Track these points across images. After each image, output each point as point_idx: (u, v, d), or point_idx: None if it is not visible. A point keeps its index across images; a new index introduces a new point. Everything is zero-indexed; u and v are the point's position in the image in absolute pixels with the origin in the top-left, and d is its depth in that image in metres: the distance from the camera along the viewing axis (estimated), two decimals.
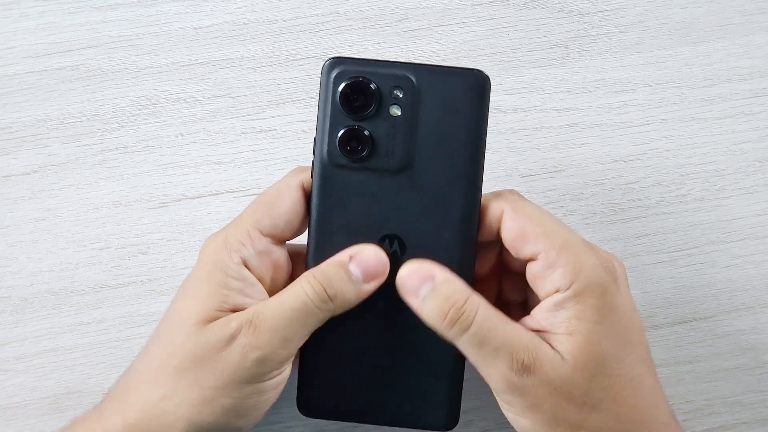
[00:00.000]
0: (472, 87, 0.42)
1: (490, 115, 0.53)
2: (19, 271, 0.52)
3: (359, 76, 0.42)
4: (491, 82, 0.42)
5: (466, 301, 0.41)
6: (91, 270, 0.52)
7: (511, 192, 0.44)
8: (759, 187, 0.54)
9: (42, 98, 0.53)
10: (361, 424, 0.51)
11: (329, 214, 0.43)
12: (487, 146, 0.53)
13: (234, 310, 0.41)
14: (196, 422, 0.41)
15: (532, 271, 0.42)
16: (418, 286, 0.41)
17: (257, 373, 0.41)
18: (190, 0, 0.54)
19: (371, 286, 0.42)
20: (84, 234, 0.52)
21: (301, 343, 0.42)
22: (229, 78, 0.54)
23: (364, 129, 0.42)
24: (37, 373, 0.51)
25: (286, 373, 0.42)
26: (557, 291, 0.41)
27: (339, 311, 0.42)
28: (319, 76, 0.42)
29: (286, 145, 0.54)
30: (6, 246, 0.52)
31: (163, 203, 0.53)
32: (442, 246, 0.43)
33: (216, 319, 0.41)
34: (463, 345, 0.41)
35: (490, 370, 0.40)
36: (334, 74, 0.42)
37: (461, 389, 0.44)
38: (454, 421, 0.44)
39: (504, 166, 0.54)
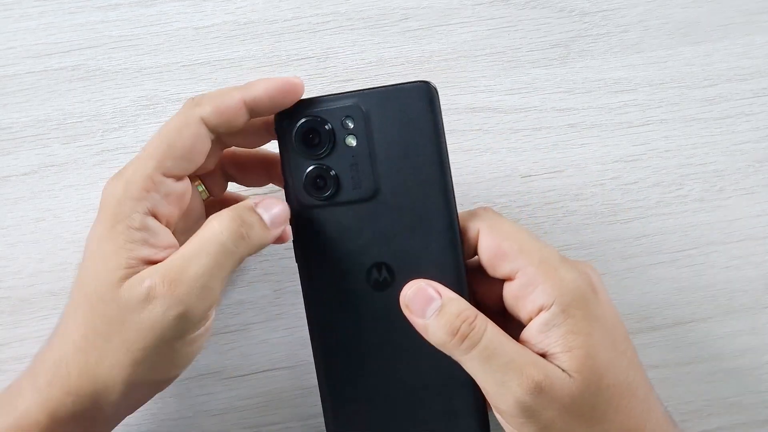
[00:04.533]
0: (420, 100, 0.42)
1: (490, 116, 0.54)
2: (20, 272, 0.52)
3: (309, 116, 0.42)
4: (438, 91, 0.42)
5: (476, 317, 0.40)
6: None
7: (486, 210, 0.44)
8: (759, 187, 0.54)
9: (42, 98, 0.53)
10: None
11: (315, 256, 0.43)
12: (487, 146, 0.54)
13: (145, 262, 0.40)
14: (131, 381, 0.40)
15: (511, 292, 0.42)
16: (425, 305, 0.41)
17: (183, 328, 0.40)
18: (191, 0, 0.54)
19: (277, 232, 0.42)
20: (84, 234, 0.52)
21: (221, 289, 0.41)
22: (230, 78, 0.54)
23: (327, 167, 0.43)
24: None
25: (212, 320, 0.42)
26: (541, 309, 0.40)
27: (251, 253, 0.41)
28: (274, 125, 0.43)
29: None
30: (6, 246, 0.52)
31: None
32: (429, 262, 0.43)
33: (127, 276, 0.40)
34: (472, 361, 0.40)
35: (500, 389, 0.40)
36: (284, 121, 0.43)
37: (486, 406, 0.43)
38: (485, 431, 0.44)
39: (504, 166, 0.54)
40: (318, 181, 0.43)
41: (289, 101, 0.43)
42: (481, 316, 0.41)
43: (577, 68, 0.55)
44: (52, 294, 0.52)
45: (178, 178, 0.42)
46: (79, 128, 0.53)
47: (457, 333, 0.40)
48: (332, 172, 0.43)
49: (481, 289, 0.44)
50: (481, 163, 0.54)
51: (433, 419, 0.44)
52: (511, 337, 0.41)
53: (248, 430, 0.52)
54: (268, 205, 0.42)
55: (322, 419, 0.51)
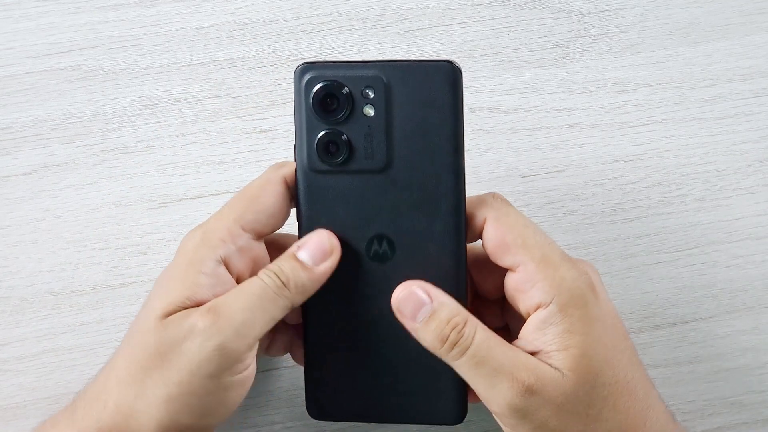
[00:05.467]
0: (444, 78, 0.42)
1: (490, 116, 0.54)
2: (19, 272, 0.52)
3: (329, 80, 0.42)
4: (462, 72, 0.42)
5: (465, 323, 0.41)
6: (91, 270, 0.52)
7: (495, 197, 0.44)
8: (759, 187, 0.54)
9: (42, 98, 0.53)
10: (363, 425, 0.51)
11: (316, 221, 0.43)
12: (487, 146, 0.54)
13: (200, 305, 0.41)
14: (164, 423, 0.40)
15: (511, 284, 0.42)
16: (415, 309, 0.41)
17: (219, 364, 0.40)
18: (191, 0, 0.54)
19: (325, 267, 0.42)
20: (84, 234, 0.52)
21: (261, 331, 0.41)
22: (230, 78, 0.54)
23: (340, 132, 0.42)
24: (37, 374, 0.51)
25: (250, 370, 0.42)
26: (539, 306, 0.41)
27: (300, 298, 0.42)
28: (292, 83, 0.42)
29: (286, 145, 0.54)
30: (6, 246, 0.52)
31: (163, 203, 0.53)
32: (432, 242, 0.43)
33: (175, 311, 0.40)
34: (462, 367, 0.41)
35: (492, 393, 0.40)
36: (305, 80, 0.42)
37: (466, 384, 0.43)
38: (462, 415, 0.44)
39: (504, 166, 0.54)
40: (330, 146, 0.42)
41: None
42: (471, 321, 0.41)
43: (577, 68, 0.55)
44: (51, 294, 0.52)
45: (256, 236, 0.42)
46: (79, 128, 0.53)
47: (446, 340, 0.40)
48: (346, 139, 0.42)
49: (483, 277, 0.45)
50: (481, 163, 0.54)
51: (415, 396, 0.44)
52: (501, 339, 0.41)
53: (249, 429, 0.52)
54: (309, 244, 0.42)
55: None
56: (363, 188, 0.42)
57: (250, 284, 0.41)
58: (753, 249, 0.54)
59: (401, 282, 0.42)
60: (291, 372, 0.52)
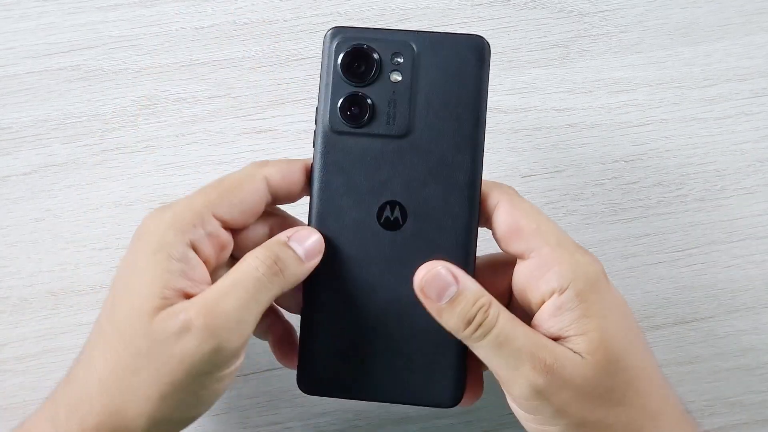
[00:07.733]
0: (472, 52, 0.42)
1: (490, 115, 0.54)
2: (19, 272, 0.52)
3: (359, 44, 0.42)
4: (491, 47, 0.42)
5: (490, 305, 0.40)
6: (90, 270, 0.52)
7: (509, 186, 0.43)
8: (759, 187, 0.54)
9: (42, 98, 0.53)
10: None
11: (331, 181, 0.42)
12: (487, 146, 0.53)
13: (180, 294, 0.40)
14: (156, 417, 0.40)
15: (523, 272, 0.41)
16: (441, 291, 0.40)
17: (214, 363, 0.39)
18: (190, 0, 0.54)
19: (312, 264, 0.42)
20: (84, 234, 0.52)
21: (255, 324, 0.40)
22: (230, 78, 0.54)
23: (365, 95, 0.42)
24: (37, 374, 0.51)
25: (242, 359, 0.41)
26: (554, 292, 0.40)
27: (287, 288, 0.41)
28: (322, 45, 0.42)
29: (286, 145, 0.53)
30: (6, 246, 0.52)
31: (163, 204, 0.53)
32: (444, 214, 0.42)
33: (162, 307, 0.39)
34: (484, 348, 0.40)
35: (513, 373, 0.39)
36: (335, 43, 0.42)
37: (465, 367, 0.43)
38: (458, 397, 0.43)
39: (504, 166, 0.54)
40: (353, 108, 0.42)
41: None
42: (495, 303, 0.40)
43: (577, 68, 0.55)
44: (51, 294, 0.52)
45: (226, 227, 0.42)
46: (79, 128, 0.53)
47: (471, 322, 0.40)
48: (370, 102, 0.42)
49: (485, 279, 0.44)
50: None
51: (410, 375, 0.43)
52: (522, 322, 0.40)
53: (249, 429, 0.51)
54: (302, 238, 0.42)
55: (324, 419, 0.51)
56: (381, 153, 0.42)
57: (244, 275, 0.40)
58: (753, 249, 0.54)
59: (409, 252, 0.42)
60: (291, 372, 0.51)
